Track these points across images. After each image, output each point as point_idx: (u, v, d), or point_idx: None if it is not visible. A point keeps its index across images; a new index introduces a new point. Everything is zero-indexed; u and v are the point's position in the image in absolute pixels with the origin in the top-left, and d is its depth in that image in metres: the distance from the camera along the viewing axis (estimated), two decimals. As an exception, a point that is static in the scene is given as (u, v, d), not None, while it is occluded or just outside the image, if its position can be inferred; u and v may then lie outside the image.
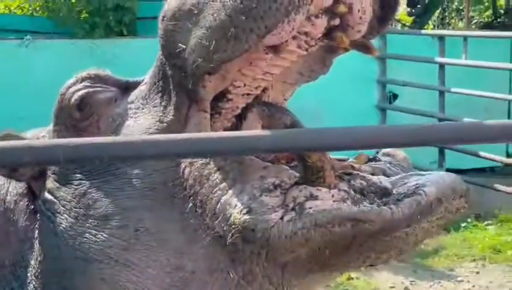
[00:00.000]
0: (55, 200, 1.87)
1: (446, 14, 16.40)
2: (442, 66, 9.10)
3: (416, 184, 1.62)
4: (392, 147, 1.77)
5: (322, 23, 1.65)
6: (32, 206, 1.94)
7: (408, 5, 12.46)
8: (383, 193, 1.63)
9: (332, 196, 1.61)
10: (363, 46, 1.77)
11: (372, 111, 10.09)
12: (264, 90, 1.87)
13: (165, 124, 1.77)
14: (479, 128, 1.34)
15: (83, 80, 1.95)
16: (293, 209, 1.59)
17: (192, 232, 1.69)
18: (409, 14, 12.64)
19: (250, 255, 1.64)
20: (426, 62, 9.32)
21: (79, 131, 1.90)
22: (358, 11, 1.64)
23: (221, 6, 1.54)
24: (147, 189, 1.74)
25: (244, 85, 1.80)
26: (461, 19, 14.88)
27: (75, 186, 1.83)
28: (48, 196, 1.89)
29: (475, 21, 15.59)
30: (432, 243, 7.61)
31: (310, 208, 1.58)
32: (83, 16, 9.25)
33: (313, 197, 1.60)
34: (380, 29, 1.75)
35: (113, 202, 1.76)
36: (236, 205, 1.61)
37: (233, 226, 1.61)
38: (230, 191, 1.64)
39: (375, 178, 1.69)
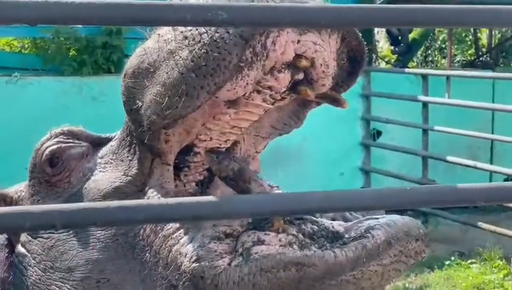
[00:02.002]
0: (27, 253, 1.93)
1: (429, 52, 16.65)
2: (425, 104, 9.24)
3: (367, 227, 1.62)
4: (344, 211, 1.76)
5: (285, 77, 1.68)
6: (12, 259, 2.00)
7: (392, 44, 12.66)
8: (334, 237, 1.64)
9: (280, 240, 1.62)
10: (332, 99, 1.80)
11: (357, 148, 10.18)
12: (235, 143, 1.92)
13: (129, 177, 1.83)
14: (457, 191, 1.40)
15: (56, 135, 2.02)
16: (241, 254, 1.61)
17: (151, 283, 1.73)
18: (393, 52, 12.83)
19: None
20: (410, 100, 9.45)
21: (51, 186, 1.96)
22: (321, 65, 1.67)
23: (175, 64, 1.59)
24: (109, 241, 1.79)
25: (211, 139, 1.85)
26: (444, 57, 15.11)
27: (45, 240, 1.89)
28: (21, 249, 1.95)
29: (458, 59, 15.85)
30: (416, 282, 7.65)
31: (256, 253, 1.60)
32: (71, 54, 9.30)
33: (260, 241, 1.62)
34: (350, 82, 1.79)
35: (77, 254, 1.81)
36: (186, 254, 1.64)
37: (184, 274, 1.63)
38: (181, 241, 1.67)
39: (327, 222, 1.69)
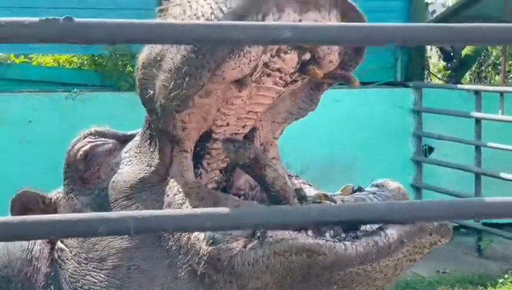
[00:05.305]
0: (65, 248, 2.04)
1: (483, 68, 16.45)
2: (478, 120, 9.17)
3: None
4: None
5: (292, 58, 1.76)
6: (53, 255, 2.12)
7: (444, 60, 12.59)
8: (350, 226, 1.68)
9: None
10: (343, 78, 1.86)
11: (408, 164, 10.14)
12: (254, 130, 2.00)
13: (153, 167, 1.93)
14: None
15: (85, 136, 2.15)
16: (257, 238, 1.68)
17: (177, 269, 1.81)
18: (445, 68, 12.76)
19: (224, 285, 1.72)
20: (462, 116, 9.39)
21: (84, 182, 2.09)
22: None
23: (177, 50, 1.70)
24: None
25: (228, 124, 1.92)
26: (498, 73, 14.91)
27: None
28: (60, 244, 2.07)
29: (512, 75, 15.63)
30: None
31: (270, 237, 1.66)
32: (127, 70, 9.54)
33: None
34: (357, 59, 1.85)
35: (108, 245, 1.92)
36: (204, 239, 1.72)
37: (202, 257, 1.72)
38: None
39: None
